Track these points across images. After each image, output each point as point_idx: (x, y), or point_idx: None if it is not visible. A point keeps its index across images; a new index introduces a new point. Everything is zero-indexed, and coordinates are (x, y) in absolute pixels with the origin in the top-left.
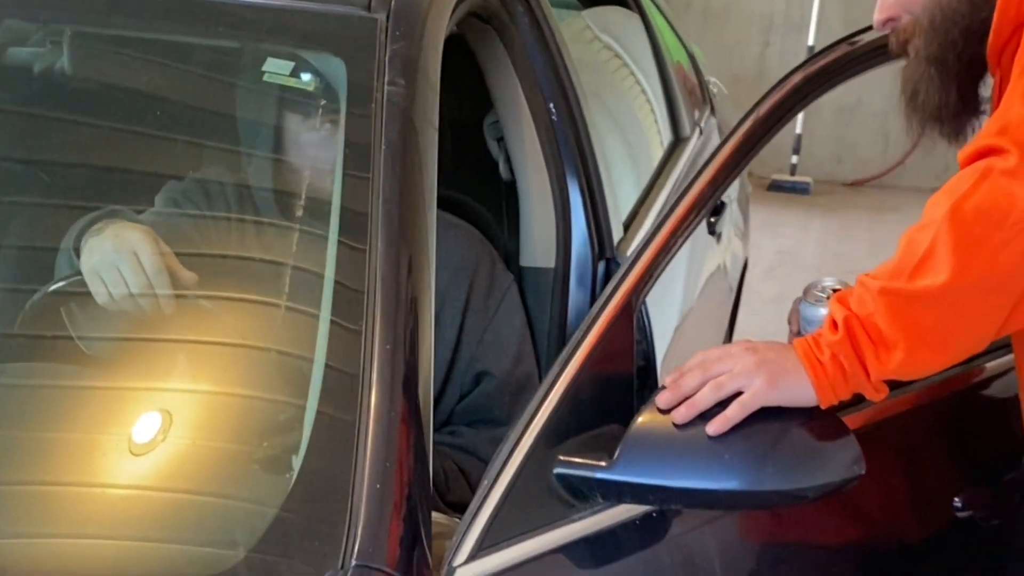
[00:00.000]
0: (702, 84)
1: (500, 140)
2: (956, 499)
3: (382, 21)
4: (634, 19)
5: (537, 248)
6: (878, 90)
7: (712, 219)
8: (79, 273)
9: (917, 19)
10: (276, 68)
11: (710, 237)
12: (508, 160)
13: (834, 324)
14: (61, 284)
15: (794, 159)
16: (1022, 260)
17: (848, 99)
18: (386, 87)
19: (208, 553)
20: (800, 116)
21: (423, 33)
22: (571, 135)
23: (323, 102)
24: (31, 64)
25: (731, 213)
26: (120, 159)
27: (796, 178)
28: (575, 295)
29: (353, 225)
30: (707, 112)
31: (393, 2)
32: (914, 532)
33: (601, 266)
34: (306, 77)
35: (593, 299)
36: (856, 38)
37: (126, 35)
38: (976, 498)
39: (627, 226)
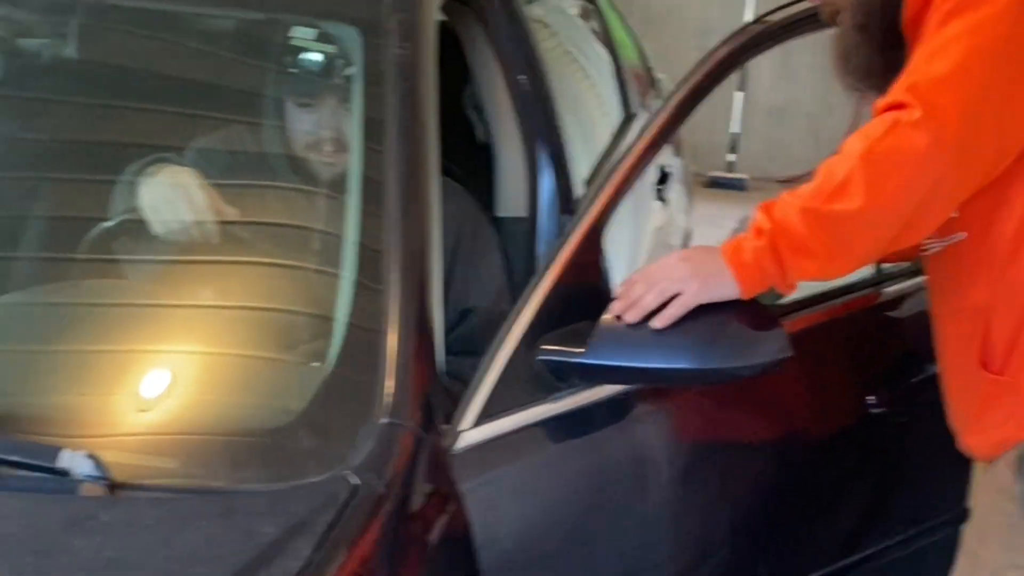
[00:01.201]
0: (648, 70)
1: (476, 109)
2: (870, 397)
3: None
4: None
5: (510, 200)
6: (806, 93)
7: (659, 186)
8: (134, 209)
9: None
10: (302, 35)
11: (658, 202)
12: (484, 125)
13: (759, 231)
14: (120, 219)
15: (731, 157)
16: (913, 195)
17: (779, 101)
18: (396, 48)
19: (272, 409)
20: (737, 117)
21: (420, 6)
22: (539, 104)
23: (342, 62)
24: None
25: (675, 185)
26: (165, 115)
27: (733, 175)
28: (543, 241)
29: (373, 159)
30: (651, 94)
31: None
32: (833, 424)
33: (565, 217)
34: (327, 43)
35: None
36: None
37: (168, 9)
38: (886, 396)
39: (587, 184)
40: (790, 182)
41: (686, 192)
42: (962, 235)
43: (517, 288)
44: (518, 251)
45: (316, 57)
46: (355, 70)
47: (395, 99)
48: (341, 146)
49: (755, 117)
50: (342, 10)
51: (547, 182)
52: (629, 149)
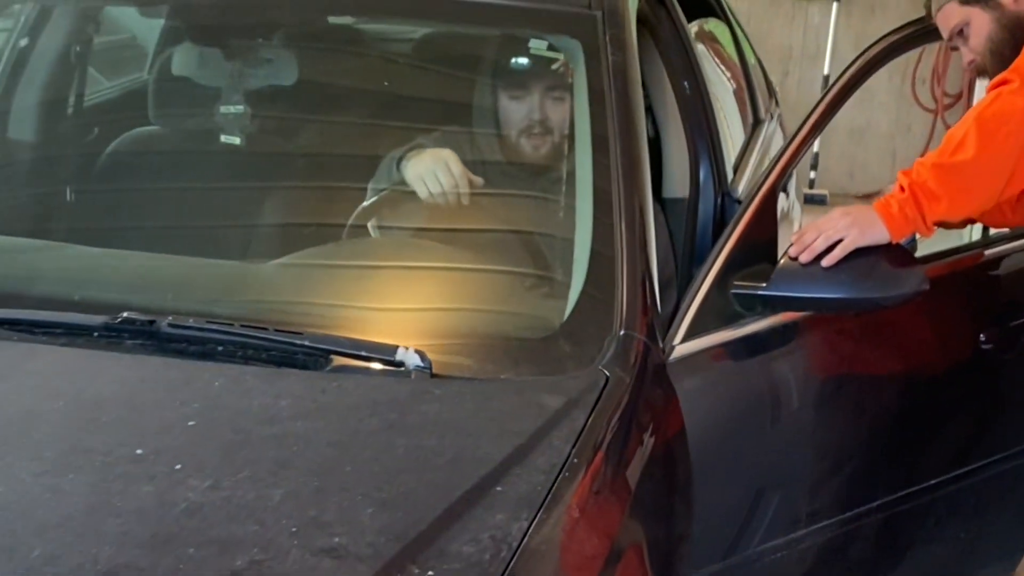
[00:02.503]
0: (768, 81)
1: (647, 109)
2: (981, 335)
3: (600, 16)
4: (723, 27)
5: (675, 184)
6: (885, 115)
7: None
8: (400, 182)
9: (985, 57)
10: (537, 45)
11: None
12: (653, 122)
13: (901, 188)
14: (386, 191)
15: (812, 174)
16: (1016, 145)
17: (859, 122)
18: (609, 57)
19: (542, 321)
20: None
21: (625, 24)
22: (698, 104)
23: (569, 66)
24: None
25: (792, 179)
26: (426, 107)
27: (814, 191)
28: (702, 217)
29: (600, 145)
30: (774, 103)
31: (605, 4)
32: (951, 358)
33: (719, 198)
34: (555, 51)
35: (714, 222)
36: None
37: (432, 31)
38: (995, 335)
39: (735, 170)
40: (867, 197)
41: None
42: None
43: (679, 256)
44: (679, 225)
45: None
46: (579, 73)
47: (612, 94)
48: (547, 129)
49: (836, 137)
50: (568, 28)
51: (704, 170)
52: (793, 135)
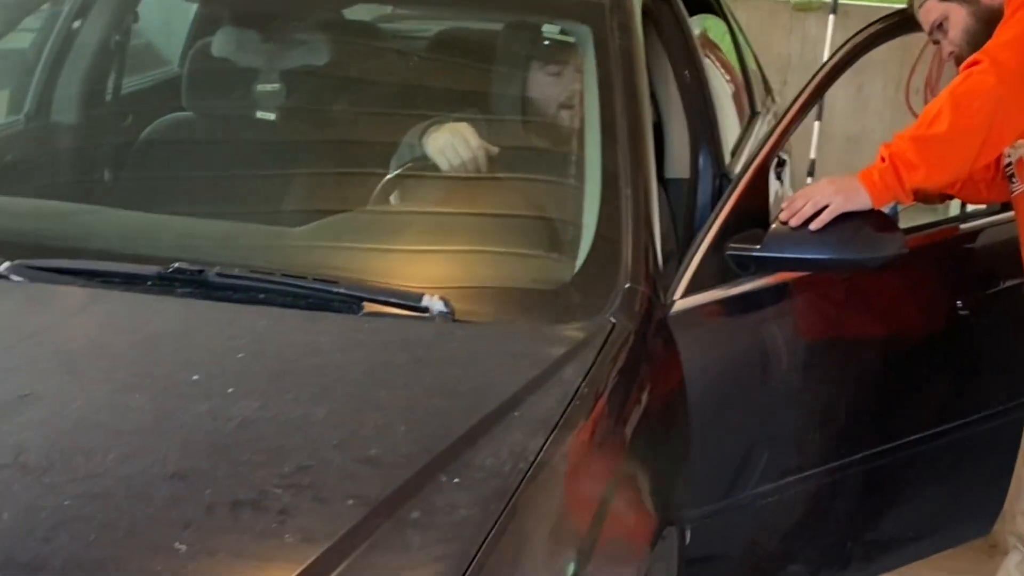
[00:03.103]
0: (764, 77)
1: (651, 96)
2: (958, 302)
3: (606, 4)
4: (721, 24)
5: (676, 165)
6: (880, 123)
7: (778, 168)
8: (419, 158)
9: (963, 48)
10: (550, 30)
11: (776, 181)
12: (656, 108)
13: (882, 158)
14: (408, 165)
15: (809, 180)
16: (985, 119)
17: (855, 130)
18: (617, 41)
19: (555, 274)
20: (814, 143)
21: (631, 13)
22: (698, 94)
23: (579, 48)
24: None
25: (787, 170)
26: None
27: None
28: (700, 197)
29: (607, 120)
30: (770, 99)
31: None
32: (930, 323)
33: (717, 180)
34: (567, 35)
35: (712, 201)
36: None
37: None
38: (973, 300)
39: (731, 155)
40: None
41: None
42: None
43: (679, 232)
44: (680, 203)
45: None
46: (589, 54)
47: (619, 73)
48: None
49: (831, 144)
50: (579, 14)
51: (704, 153)
52: (785, 112)
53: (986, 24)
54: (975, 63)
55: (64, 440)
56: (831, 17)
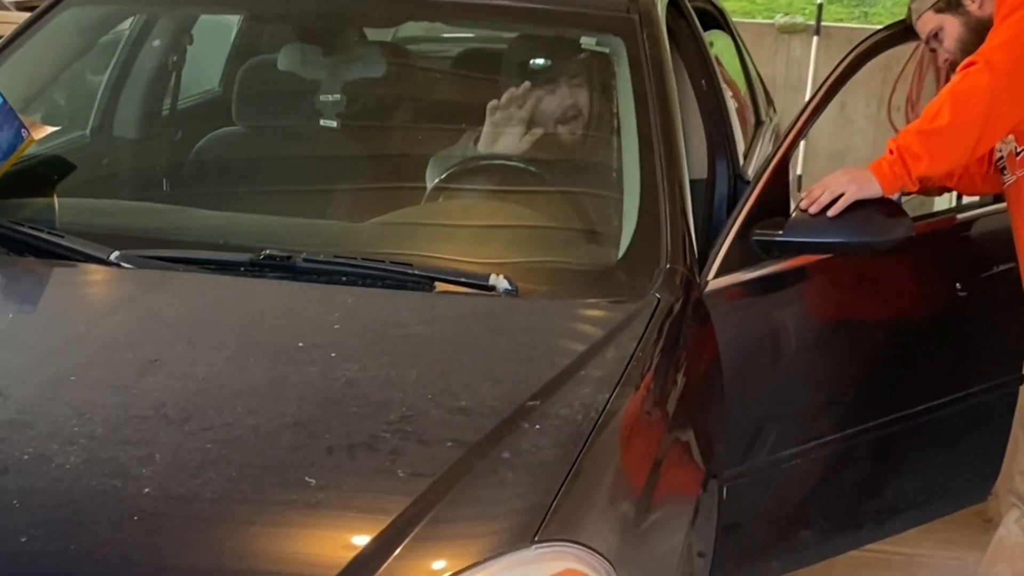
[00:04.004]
0: (766, 89)
1: None
2: (957, 284)
3: (637, 18)
4: (728, 39)
5: (695, 166)
6: (863, 140)
7: None
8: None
9: (957, 56)
10: (588, 42)
11: None
12: None
13: (890, 151)
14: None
15: (799, 194)
16: (981, 114)
17: (839, 147)
18: (646, 51)
19: (605, 257)
20: (800, 159)
21: (658, 25)
22: (714, 101)
23: (615, 58)
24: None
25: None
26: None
27: None
28: (717, 196)
29: (643, 122)
30: (772, 109)
31: (640, 8)
32: (932, 303)
33: (732, 180)
34: (603, 46)
35: (728, 200)
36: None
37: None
38: (971, 282)
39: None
40: None
41: None
42: None
43: (697, 229)
44: (699, 203)
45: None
46: (623, 64)
47: (652, 81)
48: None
49: (816, 160)
50: (613, 27)
51: (720, 155)
52: (799, 114)
53: (977, 33)
54: (971, 64)
55: (196, 397)
56: (815, 39)
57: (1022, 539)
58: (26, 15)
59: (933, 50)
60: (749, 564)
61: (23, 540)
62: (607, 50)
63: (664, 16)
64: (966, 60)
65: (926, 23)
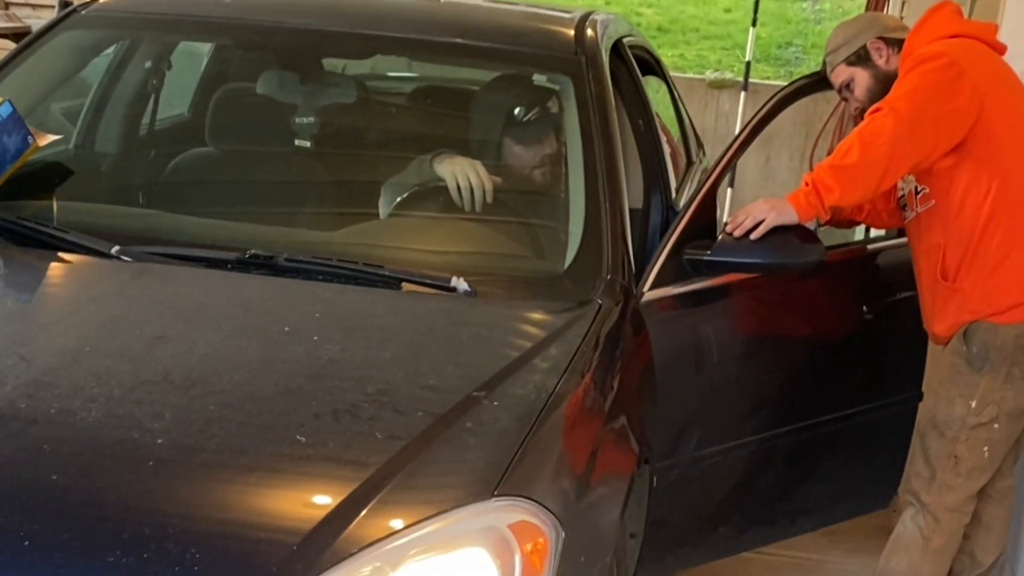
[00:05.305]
0: (696, 132)
1: None
2: (865, 307)
3: (584, 60)
4: (663, 85)
5: (632, 196)
6: (785, 191)
7: None
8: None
9: (866, 105)
10: (540, 79)
11: None
12: None
13: (806, 184)
14: (417, 186)
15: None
16: (886, 153)
17: (762, 195)
18: (592, 89)
19: (552, 267)
20: (727, 207)
21: (602, 67)
22: (650, 139)
23: (563, 94)
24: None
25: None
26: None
27: None
28: (651, 225)
29: (588, 154)
30: (701, 152)
31: (585, 52)
32: (842, 324)
33: (665, 212)
34: (553, 83)
35: (661, 229)
36: (811, 77)
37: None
38: (877, 306)
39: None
40: None
41: None
42: (931, 203)
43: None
44: (634, 229)
45: (548, 87)
46: (570, 100)
47: (596, 116)
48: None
49: (742, 204)
50: (561, 67)
51: (654, 188)
52: (724, 152)
53: (884, 85)
54: (877, 110)
55: (198, 367)
56: (743, 94)
57: (917, 534)
58: (8, 42)
59: (845, 99)
60: (672, 552)
61: (54, 478)
62: (556, 87)
63: (607, 59)
64: (873, 106)
65: (839, 74)
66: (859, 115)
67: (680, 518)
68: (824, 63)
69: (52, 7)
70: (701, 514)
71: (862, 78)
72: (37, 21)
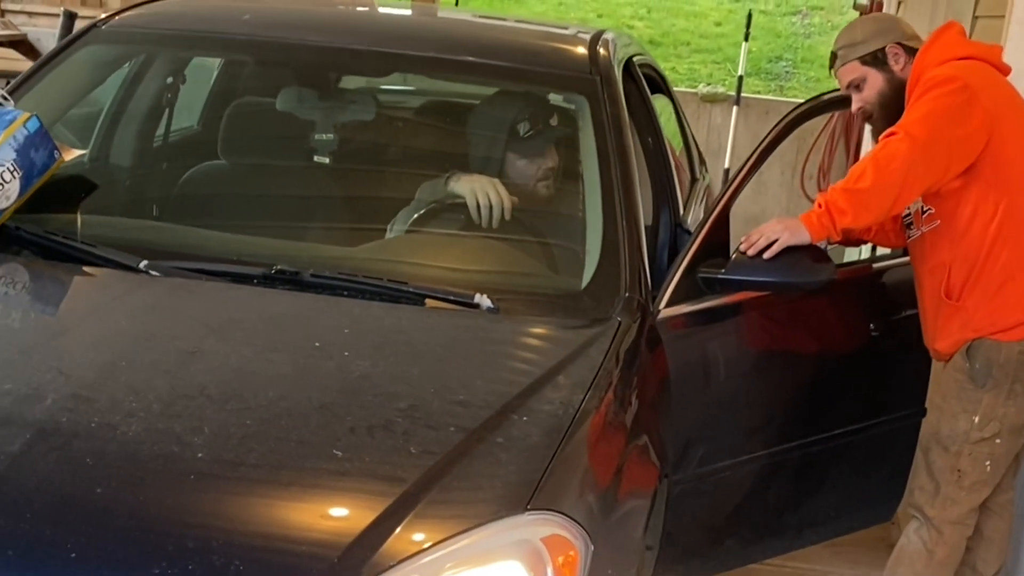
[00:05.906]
0: (699, 149)
1: None
2: (871, 325)
3: (599, 79)
4: (667, 103)
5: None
6: (776, 206)
7: None
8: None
9: (874, 107)
10: (556, 98)
11: None
12: None
13: (819, 205)
14: (434, 204)
15: None
16: (899, 177)
17: (754, 211)
18: (607, 108)
19: (571, 285)
20: None
21: (616, 86)
22: (659, 156)
23: (578, 113)
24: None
25: None
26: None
27: None
28: (660, 241)
29: (605, 172)
30: (704, 168)
31: (600, 71)
32: (849, 341)
33: (673, 228)
34: (569, 103)
35: (669, 246)
36: (824, 96)
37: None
38: (883, 324)
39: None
40: None
41: None
42: (937, 223)
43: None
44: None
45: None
46: (586, 119)
47: (612, 135)
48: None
49: (734, 224)
50: (577, 87)
51: (663, 205)
52: (738, 170)
53: (895, 90)
54: (892, 134)
55: (233, 382)
56: (734, 108)
57: (920, 546)
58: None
59: (848, 95)
60: (683, 564)
61: (99, 491)
62: (572, 107)
63: (621, 78)
64: (888, 130)
65: (851, 71)
66: (862, 116)
67: (690, 530)
68: (834, 55)
69: (48, 15)
70: (711, 526)
71: (875, 80)
72: (33, 29)
